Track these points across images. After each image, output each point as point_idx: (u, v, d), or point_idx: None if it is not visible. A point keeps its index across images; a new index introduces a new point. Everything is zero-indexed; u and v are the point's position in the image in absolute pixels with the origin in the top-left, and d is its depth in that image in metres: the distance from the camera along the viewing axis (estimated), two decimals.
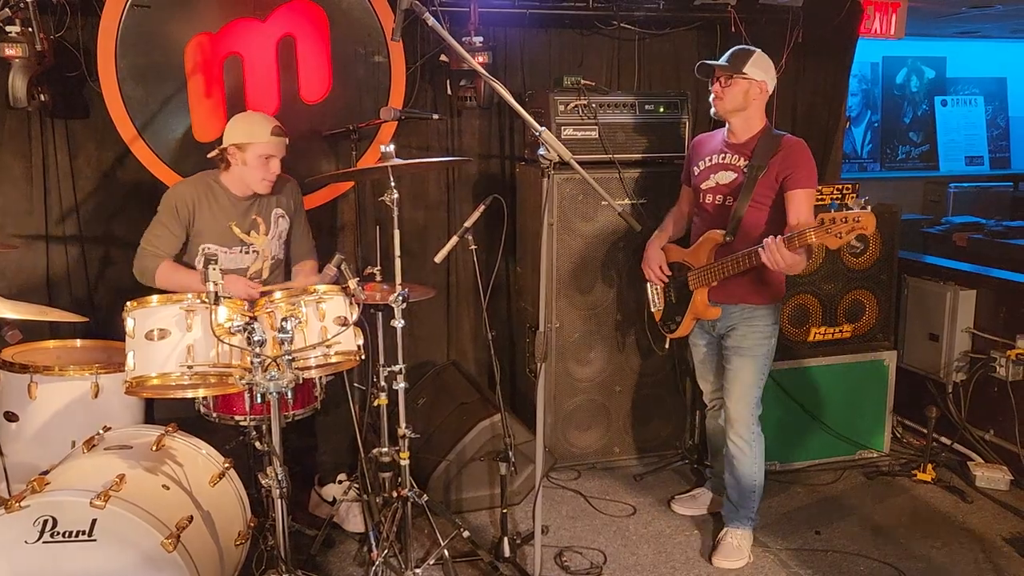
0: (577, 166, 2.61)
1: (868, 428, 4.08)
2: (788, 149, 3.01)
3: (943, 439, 4.14)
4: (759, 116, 3.08)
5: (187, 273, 3.15)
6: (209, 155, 3.22)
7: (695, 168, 3.25)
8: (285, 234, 3.37)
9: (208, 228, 3.18)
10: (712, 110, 3.11)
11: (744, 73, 2.99)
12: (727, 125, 3.13)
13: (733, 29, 4.20)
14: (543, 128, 2.52)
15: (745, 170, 3.04)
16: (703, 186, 3.20)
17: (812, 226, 2.73)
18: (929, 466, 3.88)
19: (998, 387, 3.87)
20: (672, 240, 3.39)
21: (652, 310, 3.43)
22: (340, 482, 3.37)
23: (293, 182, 3.45)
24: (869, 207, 2.63)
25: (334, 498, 3.32)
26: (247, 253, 3.26)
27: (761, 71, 3.02)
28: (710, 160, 3.19)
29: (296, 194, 3.45)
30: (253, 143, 3.09)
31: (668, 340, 3.41)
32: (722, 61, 3.05)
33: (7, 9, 3.19)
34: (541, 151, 2.57)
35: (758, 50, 3.06)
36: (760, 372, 3.17)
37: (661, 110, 3.87)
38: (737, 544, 3.23)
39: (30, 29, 3.25)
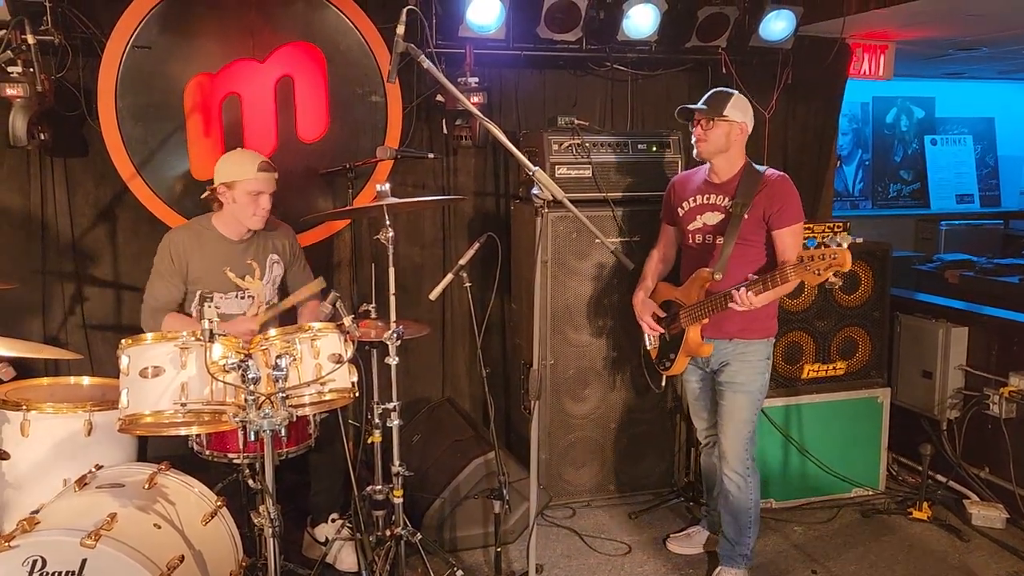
0: (570, 205, 2.63)
1: (863, 466, 4.07)
2: (771, 187, 3.07)
3: (938, 477, 4.13)
4: (740, 155, 3.14)
5: (193, 322, 3.16)
6: (202, 196, 3.25)
7: (680, 209, 3.29)
8: (279, 279, 3.39)
9: (203, 274, 3.21)
10: (695, 152, 3.17)
11: (725, 116, 3.05)
12: (709, 165, 3.19)
13: (724, 70, 4.28)
14: (536, 168, 2.55)
15: (730, 209, 3.09)
16: (690, 227, 3.25)
17: (792, 264, 2.79)
18: (925, 504, 3.87)
19: (992, 424, 3.87)
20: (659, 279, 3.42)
21: (648, 348, 3.45)
22: (333, 520, 3.35)
23: (287, 228, 3.49)
24: (846, 244, 2.67)
25: (326, 538, 3.29)
26: (242, 298, 3.28)
27: (740, 112, 3.08)
28: (694, 200, 3.24)
29: (292, 239, 3.48)
30: (241, 180, 3.13)
31: (664, 378, 3.42)
32: (701, 104, 3.11)
33: (9, 51, 3.24)
34: (535, 190, 2.60)
35: (736, 92, 3.12)
36: (754, 407, 3.18)
37: (653, 149, 3.92)
38: None
39: (32, 70, 3.31)
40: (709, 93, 3.14)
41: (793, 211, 3.06)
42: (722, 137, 3.07)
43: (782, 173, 3.14)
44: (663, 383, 3.46)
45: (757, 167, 3.14)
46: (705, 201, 3.19)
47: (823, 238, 2.85)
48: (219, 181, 3.17)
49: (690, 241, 3.26)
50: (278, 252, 3.38)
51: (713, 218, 3.17)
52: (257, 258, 3.31)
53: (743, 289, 2.89)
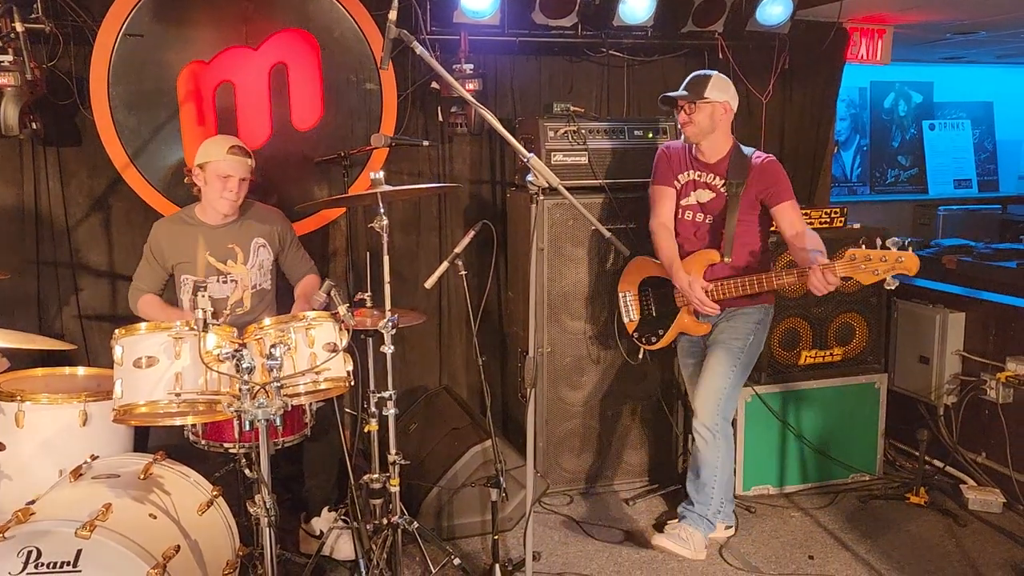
0: (565, 192, 2.62)
1: (860, 451, 4.08)
2: (761, 168, 3.17)
3: (935, 462, 4.13)
4: (726, 136, 3.22)
5: (161, 310, 3.27)
6: (185, 180, 3.35)
7: (676, 181, 3.33)
8: (268, 263, 3.40)
9: (182, 260, 3.28)
10: (682, 137, 3.25)
11: (706, 98, 3.12)
12: (696, 145, 3.25)
13: (720, 56, 4.25)
14: (531, 155, 2.54)
15: (723, 189, 3.16)
16: (683, 202, 3.30)
17: (843, 261, 2.81)
18: (922, 489, 3.87)
19: (989, 410, 3.88)
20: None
21: (625, 321, 3.45)
22: (329, 511, 3.35)
23: (278, 213, 3.51)
24: (911, 248, 2.72)
25: (321, 531, 3.29)
26: (225, 283, 3.30)
27: (721, 92, 3.14)
28: (687, 176, 3.29)
29: (283, 224, 3.49)
30: (211, 162, 3.19)
31: (642, 351, 3.44)
32: (682, 90, 3.17)
33: None
34: (530, 177, 2.59)
35: (715, 72, 3.19)
36: (732, 361, 3.20)
37: (650, 135, 3.90)
38: (685, 536, 3.27)
39: (21, 58, 3.28)
40: (688, 78, 3.21)
41: (787, 187, 3.17)
42: (707, 119, 3.14)
43: (769, 155, 3.21)
44: (640, 356, 3.49)
45: (744, 149, 3.20)
46: (698, 178, 3.26)
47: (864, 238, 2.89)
48: (196, 163, 3.25)
49: (681, 215, 3.31)
50: (264, 236, 3.39)
51: (705, 196, 3.23)
52: (239, 242, 3.33)
53: (822, 272, 2.85)
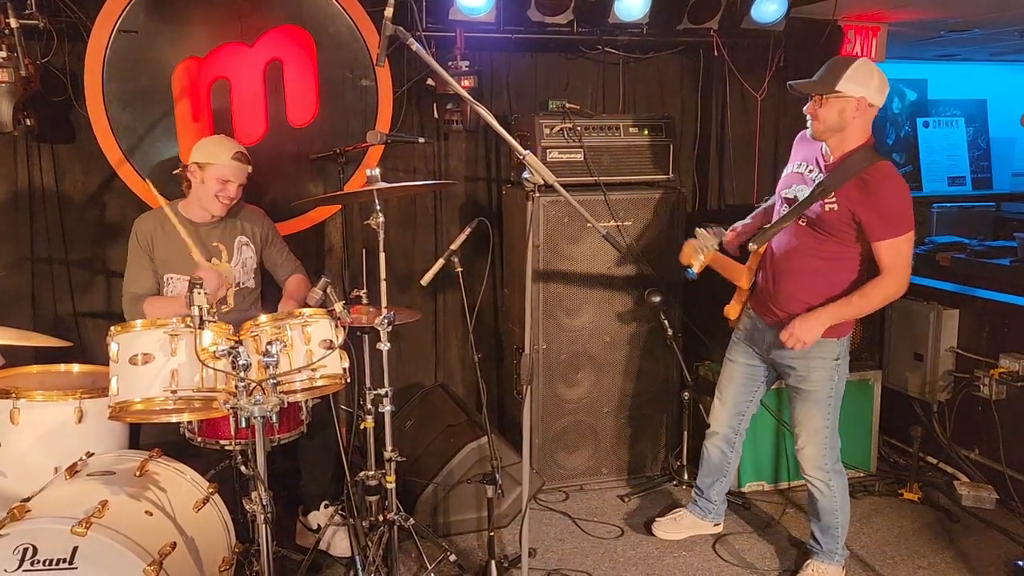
0: (561, 189, 2.62)
1: (855, 448, 4.08)
2: (871, 184, 2.71)
3: (929, 459, 4.15)
4: (858, 134, 2.79)
5: (169, 303, 3.23)
6: (174, 172, 3.34)
7: (785, 168, 3.05)
8: (251, 262, 3.41)
9: (168, 256, 3.26)
10: (808, 131, 2.89)
11: (838, 91, 2.71)
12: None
13: (716, 53, 4.26)
14: (527, 151, 2.54)
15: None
16: (783, 192, 3.01)
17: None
18: (916, 485, 3.89)
19: (982, 406, 3.89)
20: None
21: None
22: (326, 506, 3.35)
23: (258, 211, 3.52)
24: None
25: (318, 526, 3.30)
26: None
27: (860, 85, 2.71)
28: (798, 167, 2.97)
29: (265, 222, 3.50)
30: (213, 164, 3.20)
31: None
32: (816, 77, 2.78)
33: None
34: (525, 174, 2.59)
35: (859, 60, 2.76)
36: (826, 412, 3.03)
37: (646, 133, 3.91)
38: (820, 574, 3.16)
39: (15, 54, 3.26)
40: (826, 64, 2.79)
41: (892, 220, 2.70)
42: (835, 115, 2.73)
43: (893, 173, 2.75)
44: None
45: (872, 153, 2.79)
46: (808, 173, 2.90)
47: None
48: (193, 160, 3.24)
49: (780, 207, 3.03)
50: (247, 235, 3.40)
51: (804, 192, 2.89)
52: (224, 240, 3.34)
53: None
